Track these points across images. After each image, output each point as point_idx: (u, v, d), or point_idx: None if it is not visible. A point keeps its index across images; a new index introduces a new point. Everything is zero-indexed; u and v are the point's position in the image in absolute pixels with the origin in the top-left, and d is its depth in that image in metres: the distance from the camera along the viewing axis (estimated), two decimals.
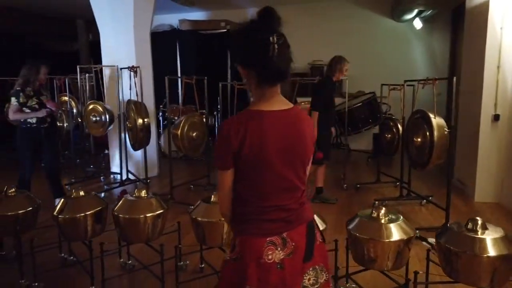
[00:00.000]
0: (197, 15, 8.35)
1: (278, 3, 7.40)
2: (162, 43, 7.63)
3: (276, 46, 1.21)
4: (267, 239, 1.26)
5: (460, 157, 4.71)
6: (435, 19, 6.92)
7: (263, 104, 1.28)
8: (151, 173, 5.35)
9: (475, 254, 1.88)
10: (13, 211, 2.45)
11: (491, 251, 1.88)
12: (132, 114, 4.18)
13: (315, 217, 2.15)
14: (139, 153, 5.03)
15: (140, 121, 4.08)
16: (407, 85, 4.16)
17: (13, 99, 3.58)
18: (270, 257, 1.25)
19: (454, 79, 3.46)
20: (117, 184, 4.76)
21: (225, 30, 7.48)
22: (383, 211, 2.16)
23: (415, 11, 6.22)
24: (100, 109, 4.56)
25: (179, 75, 7.66)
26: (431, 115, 3.45)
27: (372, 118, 6.42)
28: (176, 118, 6.81)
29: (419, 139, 3.62)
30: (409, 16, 6.59)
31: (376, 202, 4.09)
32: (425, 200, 4.08)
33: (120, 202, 2.42)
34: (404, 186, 4.25)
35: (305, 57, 7.62)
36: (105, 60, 5.13)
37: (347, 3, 7.45)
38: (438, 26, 7.10)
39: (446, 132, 3.29)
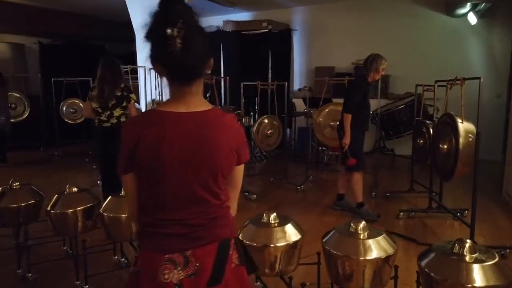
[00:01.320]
0: (243, 15, 8.40)
1: (319, 0, 7.39)
2: None
3: (178, 40, 1.06)
4: (166, 256, 1.14)
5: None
6: (493, 13, 6.24)
7: (170, 105, 1.16)
8: None
9: (456, 282, 1.63)
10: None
11: (478, 281, 1.61)
12: None
13: (290, 225, 2.05)
14: None
15: None
16: (438, 86, 3.79)
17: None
18: (166, 276, 1.13)
19: None
20: None
21: (267, 30, 7.42)
22: (361, 225, 1.96)
23: (468, 5, 5.65)
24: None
25: (222, 75, 7.83)
26: (458, 120, 3.09)
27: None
28: None
29: (445, 146, 3.27)
30: (463, 11, 6.00)
31: (401, 213, 3.80)
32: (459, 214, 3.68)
33: (107, 200, 2.47)
34: (433, 197, 3.87)
35: (350, 56, 7.31)
36: (142, 62, 5.34)
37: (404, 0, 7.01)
38: (497, 21, 6.38)
39: (470, 139, 2.92)
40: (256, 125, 4.66)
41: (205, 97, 4.89)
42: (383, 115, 6.29)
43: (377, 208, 4.12)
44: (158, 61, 1.13)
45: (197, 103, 1.18)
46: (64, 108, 6.96)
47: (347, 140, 3.66)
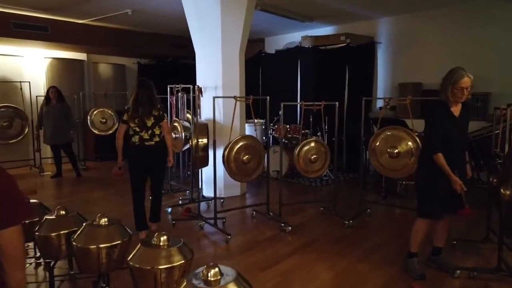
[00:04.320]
0: (326, 30, 8.00)
1: (407, 10, 6.61)
2: (285, 60, 7.65)
3: None
4: None
5: None
6: None
7: None
8: (232, 192, 5.34)
9: None
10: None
11: None
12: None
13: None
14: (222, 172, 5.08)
15: (195, 141, 4.09)
16: None
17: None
18: None
19: None
20: (187, 201, 4.90)
21: (345, 44, 6.90)
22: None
23: None
24: (178, 127, 4.81)
25: (298, 92, 7.55)
26: None
27: None
28: (281, 137, 6.75)
29: (507, 192, 2.46)
30: None
31: (458, 271, 3.01)
32: None
33: (81, 228, 2.43)
34: (502, 256, 2.95)
35: (440, 70, 6.17)
36: (199, 80, 5.40)
37: (502, 3, 5.80)
38: None
39: None
40: (298, 149, 4.26)
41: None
42: (472, 141, 5.21)
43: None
44: None
45: None
46: None
47: (456, 184, 2.79)
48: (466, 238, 3.72)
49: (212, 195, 5.29)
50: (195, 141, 4.06)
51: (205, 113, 5.22)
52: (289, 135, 6.60)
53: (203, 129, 4.19)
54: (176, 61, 9.44)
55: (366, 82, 7.31)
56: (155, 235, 2.16)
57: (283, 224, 4.07)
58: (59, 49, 7.93)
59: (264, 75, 8.39)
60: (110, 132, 7.29)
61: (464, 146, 3.05)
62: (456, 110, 2.91)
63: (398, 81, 6.96)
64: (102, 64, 8.75)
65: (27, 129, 7.04)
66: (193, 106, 4.48)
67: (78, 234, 2.37)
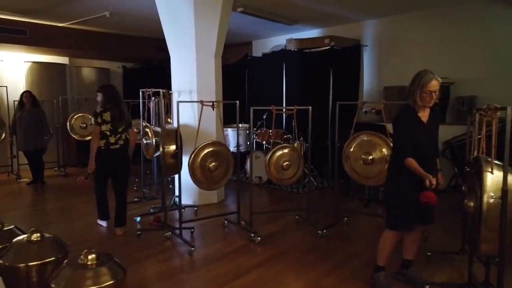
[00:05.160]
0: (312, 33, 7.85)
1: (393, 12, 6.45)
2: (271, 64, 7.49)
3: None
4: None
5: None
6: None
7: None
8: (208, 199, 5.17)
9: None
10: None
11: None
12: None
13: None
14: None
15: (162, 148, 3.92)
16: None
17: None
18: None
19: None
20: (158, 209, 4.73)
21: (329, 47, 6.75)
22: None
23: None
24: (149, 132, 4.65)
25: (284, 96, 7.38)
26: (487, 168, 2.11)
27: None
28: (264, 142, 6.59)
29: (471, 204, 2.28)
30: None
31: (427, 287, 2.84)
32: None
33: (10, 245, 2.25)
34: (471, 270, 2.76)
35: None
36: (174, 85, 5.24)
37: (484, 3, 5.64)
38: None
39: (492, 200, 1.94)
40: (269, 156, 4.08)
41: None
42: (454, 147, 5.04)
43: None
44: None
45: None
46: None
47: (429, 180, 2.49)
48: (442, 249, 3.54)
49: (189, 202, 5.18)
50: (162, 147, 3.88)
51: (180, 119, 5.06)
52: (271, 140, 6.43)
53: (172, 135, 4.01)
54: (162, 65, 9.26)
55: (352, 86, 7.15)
56: (83, 253, 1.98)
57: (252, 234, 3.89)
58: (40, 53, 7.80)
59: (250, 79, 8.23)
60: (90, 137, 7.11)
61: (435, 153, 2.88)
62: (424, 115, 2.74)
63: (383, 85, 6.80)
64: (85, 68, 8.60)
65: (4, 135, 6.88)
66: (159, 111, 4.33)
67: (7, 251, 2.20)
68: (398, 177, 2.78)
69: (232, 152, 7.12)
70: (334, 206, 4.39)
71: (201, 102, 3.81)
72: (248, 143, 7.05)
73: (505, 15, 5.50)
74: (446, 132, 5.50)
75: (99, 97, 3.98)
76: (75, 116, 7.20)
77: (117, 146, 3.93)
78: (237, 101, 4.05)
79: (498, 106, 2.12)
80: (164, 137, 3.92)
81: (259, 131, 6.77)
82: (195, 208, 4.89)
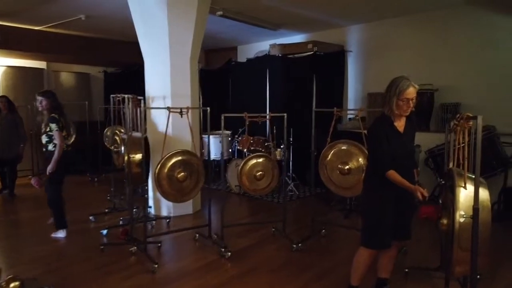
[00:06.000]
0: (298, 38, 7.69)
1: (377, 17, 6.31)
2: (255, 69, 7.32)
3: None
4: None
5: None
6: None
7: None
8: (182, 210, 4.95)
9: None
10: None
11: None
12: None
13: None
14: None
15: (127, 157, 3.70)
16: None
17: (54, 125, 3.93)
18: None
19: None
20: (127, 222, 4.48)
21: (312, 52, 6.59)
22: None
23: None
24: (118, 140, 4.43)
25: (267, 102, 7.19)
26: (460, 183, 1.92)
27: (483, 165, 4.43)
28: (245, 149, 6.39)
29: (445, 222, 2.09)
30: None
31: None
32: None
33: None
34: None
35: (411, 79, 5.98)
36: (147, 90, 5.03)
37: (470, 9, 5.51)
38: None
39: (462, 220, 1.75)
40: (241, 166, 3.88)
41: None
42: (437, 155, 4.88)
43: None
44: None
45: None
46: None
47: (416, 192, 2.29)
48: (420, 265, 3.35)
49: (163, 213, 4.95)
50: (127, 156, 3.66)
51: (152, 126, 4.85)
52: (252, 148, 6.24)
53: (138, 143, 3.79)
54: (143, 70, 9.06)
55: (336, 92, 6.99)
56: (5, 280, 1.75)
57: (223, 249, 3.67)
58: (16, 57, 7.55)
59: (234, 85, 8.05)
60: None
61: (412, 164, 2.69)
62: (400, 125, 2.56)
63: (368, 91, 6.66)
64: (64, 73, 8.36)
65: None
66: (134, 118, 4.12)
67: None
68: (375, 191, 2.59)
69: (213, 160, 7.10)
70: (311, 218, 4.18)
71: (168, 108, 3.61)
72: (227, 150, 6.86)
73: (489, 21, 5.38)
74: (429, 140, 5.35)
75: (44, 102, 3.96)
76: None
77: (69, 150, 4.15)
78: (208, 108, 3.85)
79: (471, 115, 1.94)
80: (130, 146, 3.70)
81: (240, 138, 6.57)
82: (167, 220, 4.66)
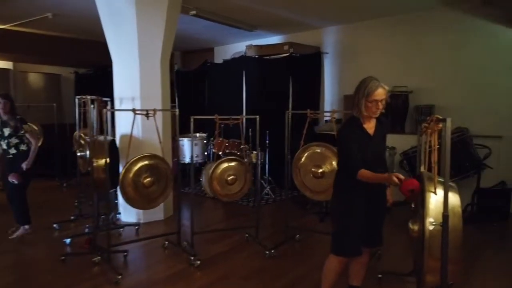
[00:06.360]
0: (276, 39, 7.60)
1: (354, 19, 6.26)
2: (232, 71, 7.19)
3: None
4: None
5: None
6: None
7: None
8: (153, 216, 4.76)
9: None
10: None
11: None
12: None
13: None
14: None
15: (98, 161, 3.51)
16: None
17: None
18: None
19: None
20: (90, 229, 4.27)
21: (288, 53, 6.51)
22: None
23: None
24: (83, 143, 4.22)
25: (244, 104, 7.07)
26: (430, 188, 1.84)
27: (456, 168, 4.43)
28: (220, 153, 6.24)
29: (416, 228, 2.01)
30: None
31: None
32: None
33: None
34: None
35: (385, 82, 5.91)
36: (116, 91, 4.84)
37: (443, 11, 5.54)
38: None
39: (432, 227, 1.67)
40: (211, 170, 3.73)
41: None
42: (411, 157, 4.86)
43: None
44: None
45: None
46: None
47: (390, 179, 2.14)
48: (394, 270, 3.28)
49: (132, 219, 4.75)
50: (90, 161, 3.46)
51: (121, 129, 4.67)
52: (227, 151, 6.10)
53: (102, 147, 3.60)
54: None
55: (313, 94, 6.92)
56: None
57: (192, 258, 3.51)
58: None
59: (211, 86, 7.90)
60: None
61: (382, 167, 2.60)
62: (369, 127, 2.46)
63: (344, 93, 6.62)
64: (33, 74, 8.03)
65: None
66: (102, 120, 3.91)
67: None
68: (344, 196, 2.49)
69: (188, 164, 6.91)
70: (285, 223, 4.08)
71: (134, 110, 3.44)
72: (203, 154, 6.70)
73: (461, 24, 5.41)
74: (404, 142, 5.33)
75: (7, 105, 3.94)
76: None
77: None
78: (177, 110, 3.71)
79: (440, 117, 1.86)
80: (95, 150, 3.51)
81: (215, 141, 6.42)
82: (136, 227, 4.47)
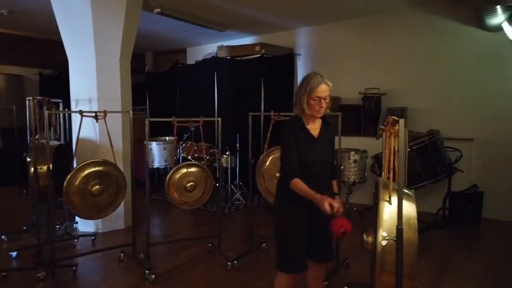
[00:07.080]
0: (248, 40, 7.41)
1: (329, 19, 6.11)
2: (203, 72, 6.96)
3: None
4: None
5: None
6: None
7: None
8: (114, 225, 4.48)
9: None
10: None
11: None
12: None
13: None
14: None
15: (33, 168, 3.23)
16: None
17: None
18: None
19: None
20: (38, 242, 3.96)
21: (260, 55, 6.33)
22: None
23: (500, 11, 4.01)
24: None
25: (215, 106, 6.85)
26: (384, 196, 1.66)
27: (427, 171, 4.31)
28: (189, 157, 6.00)
29: (370, 240, 1.82)
30: (496, 21, 4.34)
31: None
32: None
33: None
34: None
35: (358, 84, 5.86)
36: (72, 92, 4.54)
37: (414, 12, 5.45)
38: None
39: (384, 243, 1.48)
40: (168, 176, 3.49)
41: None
42: (378, 160, 4.73)
43: None
44: None
45: None
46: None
47: (323, 204, 1.99)
48: (361, 281, 3.10)
49: (90, 229, 4.45)
50: (33, 168, 3.18)
51: (75, 133, 4.37)
52: (196, 155, 5.87)
53: (46, 152, 3.30)
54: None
55: (285, 96, 6.75)
56: None
57: (147, 271, 3.25)
58: None
59: (182, 88, 7.64)
60: None
61: (330, 174, 2.31)
62: (313, 128, 2.22)
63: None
64: None
65: None
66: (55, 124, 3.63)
67: None
68: (284, 208, 2.25)
69: (157, 168, 6.65)
70: (249, 232, 3.86)
71: (80, 112, 3.17)
72: (172, 157, 6.44)
73: (434, 25, 5.33)
74: (376, 145, 5.18)
75: None
76: None
77: None
78: (130, 112, 3.45)
79: (396, 119, 1.68)
80: (39, 155, 3.22)
81: (184, 145, 6.18)
82: (93, 237, 4.18)
